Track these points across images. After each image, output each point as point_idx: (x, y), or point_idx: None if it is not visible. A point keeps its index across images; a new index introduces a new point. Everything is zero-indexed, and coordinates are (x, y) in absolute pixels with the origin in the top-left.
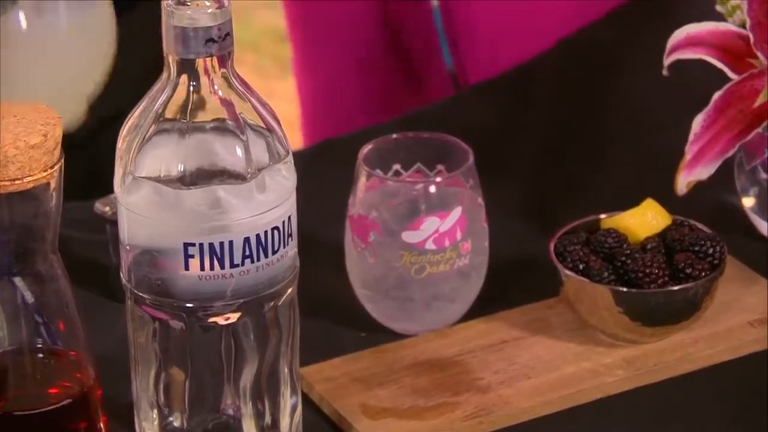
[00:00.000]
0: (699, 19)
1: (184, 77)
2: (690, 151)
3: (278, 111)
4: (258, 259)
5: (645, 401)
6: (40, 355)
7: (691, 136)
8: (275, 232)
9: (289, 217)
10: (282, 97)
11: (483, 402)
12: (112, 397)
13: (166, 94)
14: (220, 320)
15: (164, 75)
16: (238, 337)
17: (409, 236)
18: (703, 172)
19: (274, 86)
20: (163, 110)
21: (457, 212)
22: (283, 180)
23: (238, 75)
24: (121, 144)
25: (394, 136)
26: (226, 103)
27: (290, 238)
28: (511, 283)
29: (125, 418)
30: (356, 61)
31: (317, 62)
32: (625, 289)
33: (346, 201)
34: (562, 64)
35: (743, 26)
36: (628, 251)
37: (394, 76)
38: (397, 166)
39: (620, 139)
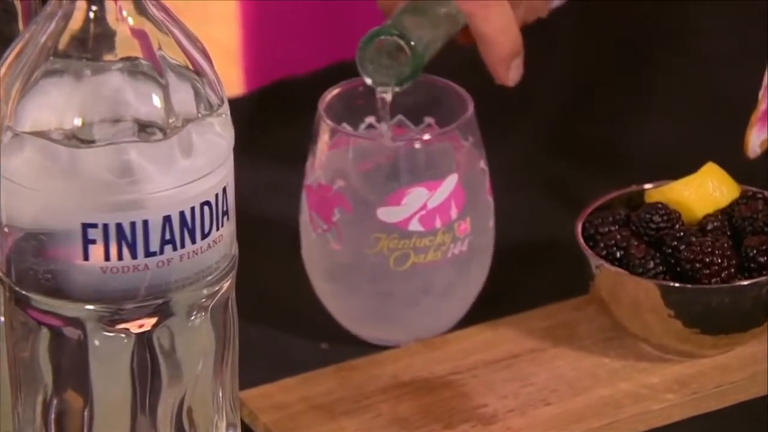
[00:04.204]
0: None
1: (81, 1)
2: (765, 99)
3: (214, 37)
4: (182, 245)
5: None
6: None
7: (766, 80)
8: (205, 208)
9: (225, 189)
10: (218, 20)
11: None
12: None
13: (57, 23)
14: (132, 327)
15: None
16: (155, 351)
17: (387, 213)
18: None
19: (209, 6)
20: (54, 45)
21: (451, 181)
22: (216, 138)
23: None
24: None
25: None
26: (139, 35)
27: (225, 217)
28: (525, 277)
29: None
30: None
31: None
32: (677, 285)
33: (303, 166)
34: None
35: None
36: (682, 234)
37: None
38: (370, 119)
39: (670, 83)
